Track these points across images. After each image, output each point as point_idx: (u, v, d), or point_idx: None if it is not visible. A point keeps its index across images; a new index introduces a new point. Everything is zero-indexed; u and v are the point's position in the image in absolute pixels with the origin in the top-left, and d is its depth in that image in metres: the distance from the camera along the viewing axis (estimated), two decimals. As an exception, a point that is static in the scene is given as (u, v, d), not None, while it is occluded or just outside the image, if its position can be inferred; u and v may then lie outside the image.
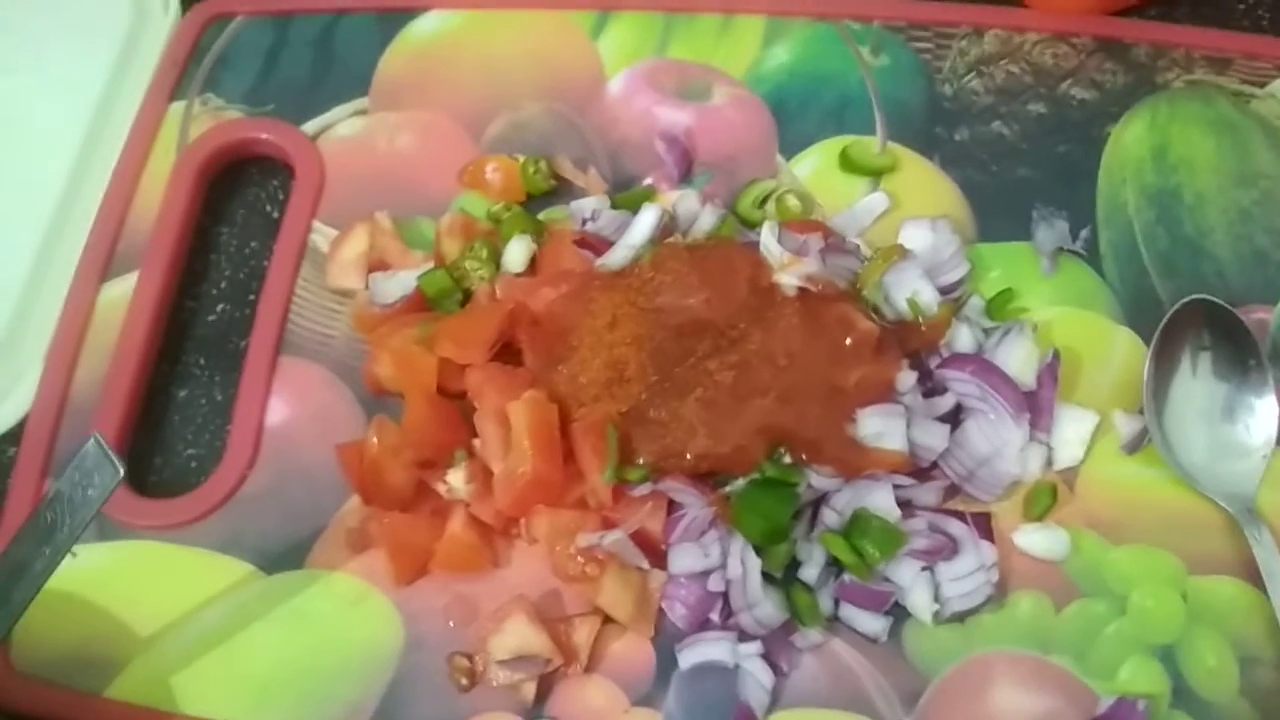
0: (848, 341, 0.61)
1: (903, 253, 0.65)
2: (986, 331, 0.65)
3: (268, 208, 0.73)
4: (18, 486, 0.64)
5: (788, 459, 0.59)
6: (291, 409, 0.66)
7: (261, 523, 0.63)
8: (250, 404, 0.66)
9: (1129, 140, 0.72)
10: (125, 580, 0.62)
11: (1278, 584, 0.58)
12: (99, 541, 0.63)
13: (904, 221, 0.68)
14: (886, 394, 0.60)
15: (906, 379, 0.61)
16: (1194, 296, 0.64)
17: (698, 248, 0.65)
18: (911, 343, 0.63)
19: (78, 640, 0.61)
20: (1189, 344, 0.63)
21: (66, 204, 0.72)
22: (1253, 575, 0.60)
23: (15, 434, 0.66)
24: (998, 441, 0.61)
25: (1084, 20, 0.75)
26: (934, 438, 0.60)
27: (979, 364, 0.62)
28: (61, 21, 0.78)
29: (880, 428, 0.59)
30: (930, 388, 0.63)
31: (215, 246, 0.72)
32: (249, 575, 0.62)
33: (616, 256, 0.65)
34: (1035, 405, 0.62)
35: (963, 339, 0.64)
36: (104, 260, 0.70)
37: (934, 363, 0.63)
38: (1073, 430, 0.63)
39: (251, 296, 0.70)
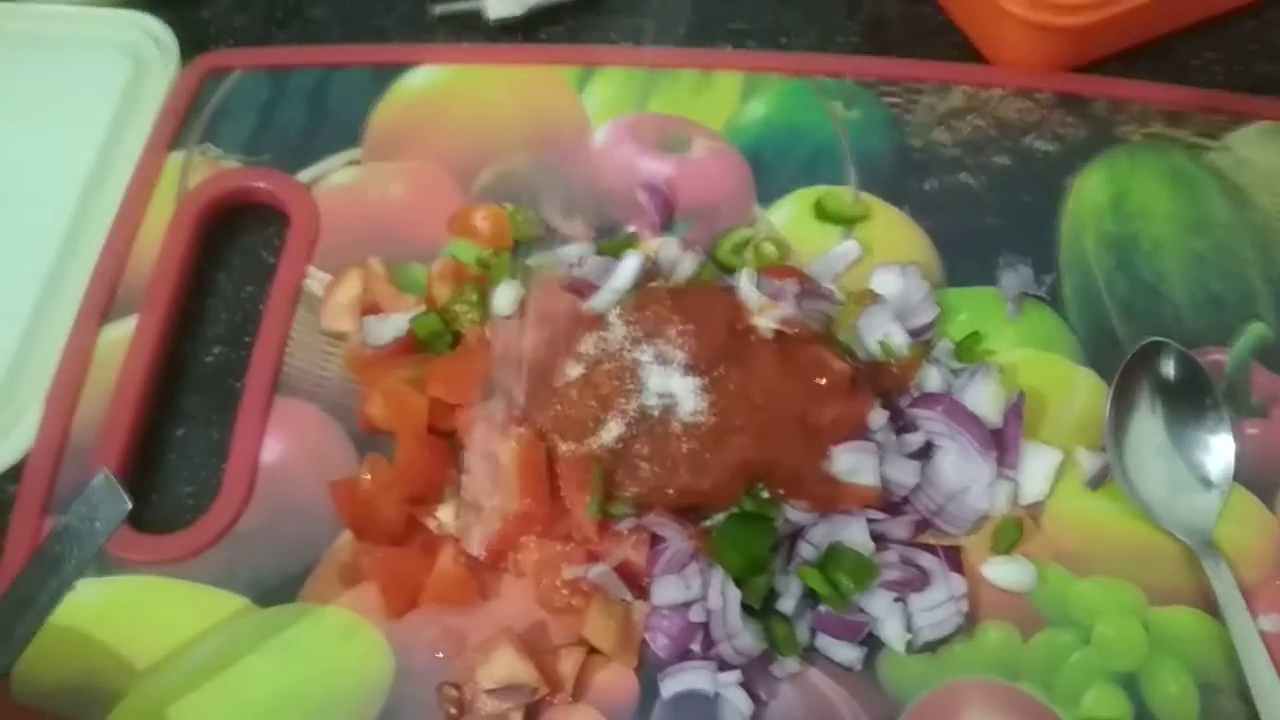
0: (822, 381, 0.63)
1: (874, 297, 0.68)
2: (955, 372, 0.68)
3: (264, 254, 0.76)
4: (18, 524, 0.66)
5: (766, 494, 0.62)
6: (286, 447, 0.68)
7: (256, 557, 0.65)
8: (246, 442, 0.68)
9: (1089, 190, 0.75)
10: (122, 614, 0.64)
11: (1234, 614, 0.61)
12: (97, 576, 0.64)
13: (875, 267, 0.71)
14: (860, 432, 0.63)
15: (879, 417, 0.63)
16: (1152, 339, 0.67)
17: (679, 291, 0.68)
18: (883, 383, 0.66)
19: (76, 672, 0.62)
20: (1147, 384, 0.66)
21: (69, 248, 0.74)
22: (1211, 605, 0.62)
23: (16, 472, 0.68)
24: (966, 477, 0.64)
25: (1045, 77, 0.79)
26: (905, 474, 0.63)
27: (948, 403, 0.65)
28: (64, 73, 0.80)
29: (854, 464, 0.62)
30: (901, 426, 0.65)
31: (212, 291, 0.75)
32: (243, 609, 0.64)
33: (601, 300, 0.67)
34: (1002, 443, 0.65)
35: (932, 380, 0.67)
36: (104, 303, 0.72)
37: (905, 402, 0.66)
38: (1037, 467, 0.65)
39: (247, 339, 0.72)
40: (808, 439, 0.62)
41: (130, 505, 0.51)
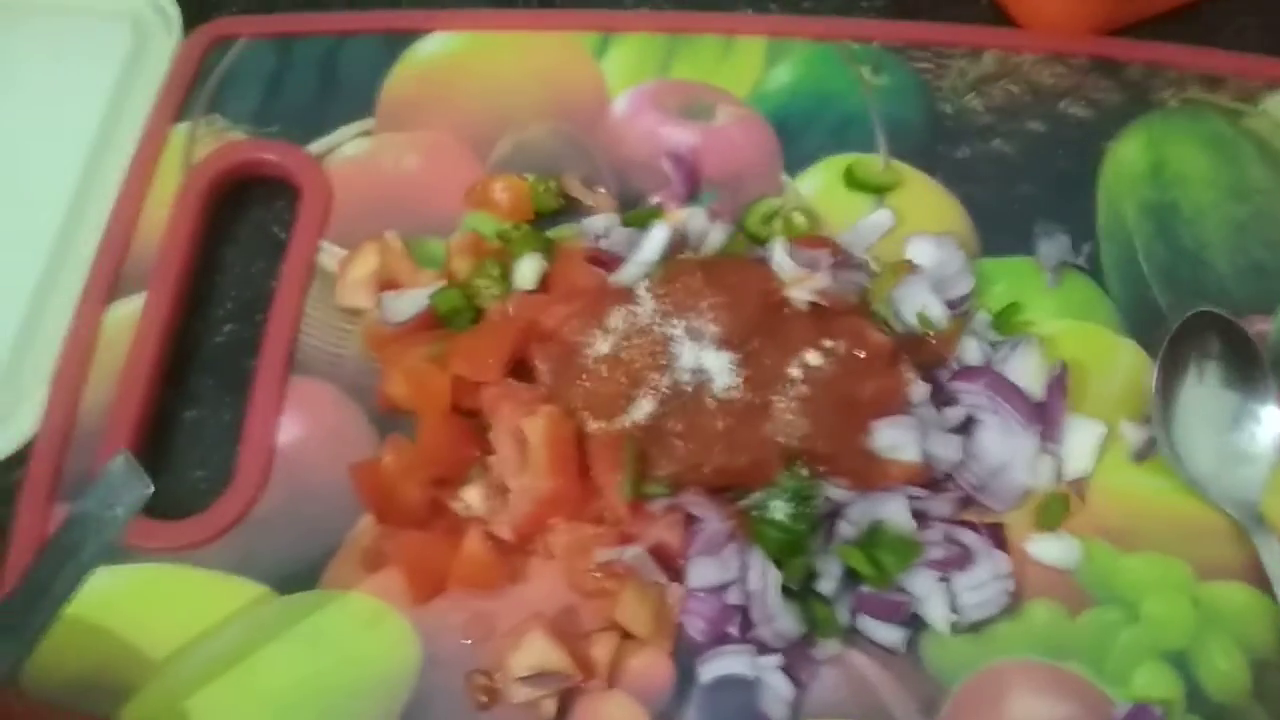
0: (861, 354, 0.61)
1: (910, 268, 0.66)
2: (994, 345, 0.66)
3: (274, 228, 0.73)
4: (25, 510, 0.64)
5: (804, 471, 0.60)
6: (302, 429, 0.65)
7: (274, 543, 0.63)
8: (260, 424, 0.65)
9: (1126, 156, 0.73)
10: (137, 603, 0.62)
11: (1285, 588, 0.59)
12: (110, 564, 0.62)
13: (909, 237, 0.69)
14: (900, 406, 0.61)
15: (919, 391, 0.61)
16: (1200, 309, 0.65)
17: (709, 263, 0.65)
18: (922, 356, 0.64)
19: (90, 664, 0.60)
20: (1195, 354, 0.64)
21: (72, 226, 0.71)
22: (1261, 580, 0.60)
23: (22, 457, 0.66)
24: (1010, 452, 0.62)
25: (1078, 40, 0.77)
26: (948, 449, 0.61)
27: (991, 376, 0.63)
28: (64, 44, 0.78)
29: (895, 439, 0.60)
30: (941, 400, 0.63)
31: (221, 267, 0.72)
32: (262, 596, 0.62)
33: (629, 273, 0.65)
34: (1045, 417, 0.63)
35: (971, 352, 0.65)
36: (110, 282, 0.70)
37: (945, 376, 0.64)
38: (1081, 440, 0.63)
39: (259, 317, 0.69)
40: (847, 414, 0.60)
41: (151, 489, 0.49)
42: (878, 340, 0.62)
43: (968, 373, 0.63)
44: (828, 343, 0.61)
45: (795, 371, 0.61)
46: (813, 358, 0.61)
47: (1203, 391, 0.64)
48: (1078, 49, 0.76)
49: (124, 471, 0.49)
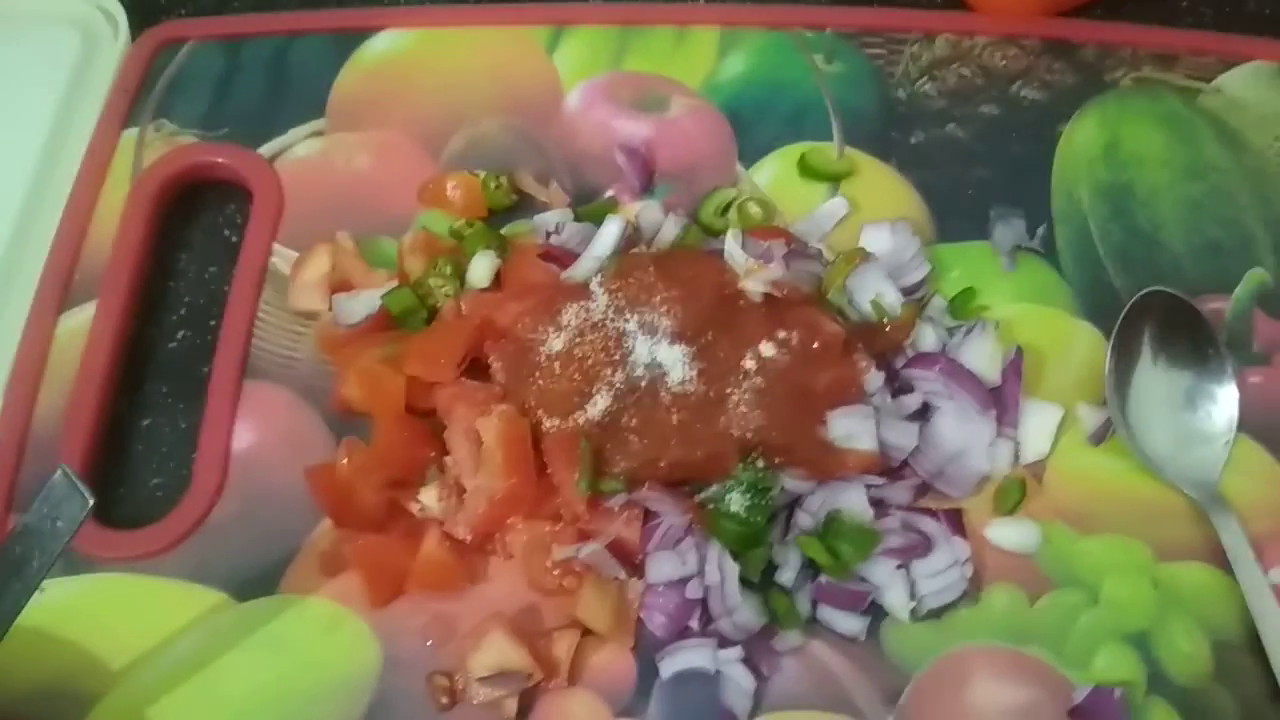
0: (815, 345, 0.61)
1: (864, 256, 0.66)
2: (950, 330, 0.66)
3: (226, 232, 0.73)
4: (-21, 523, 0.63)
5: (760, 464, 0.60)
6: (258, 433, 0.65)
7: (231, 550, 0.62)
8: (215, 430, 0.65)
9: (1081, 138, 0.73)
10: (95, 614, 0.61)
11: (1244, 567, 0.59)
12: (66, 575, 0.61)
13: (864, 225, 0.69)
14: (855, 395, 0.61)
15: (875, 380, 0.61)
16: (1152, 288, 0.65)
17: (663, 256, 0.65)
18: (877, 344, 0.63)
19: (49, 676, 0.59)
20: (1148, 334, 0.64)
21: (21, 235, 0.70)
22: (1221, 560, 0.61)
23: (-25, 470, 0.65)
24: (966, 438, 0.62)
25: (1031, 22, 0.77)
26: (904, 437, 0.61)
27: (945, 363, 0.63)
28: (9, 51, 0.77)
29: (851, 429, 0.60)
30: (897, 387, 0.63)
31: (174, 273, 0.71)
32: (221, 603, 0.61)
33: (582, 268, 0.65)
34: (1001, 401, 0.63)
35: (927, 339, 0.65)
36: (61, 290, 0.69)
37: (900, 363, 0.64)
38: (1038, 424, 0.63)
39: (213, 322, 0.69)
40: (802, 405, 0.60)
41: (92, 502, 0.49)
42: (832, 330, 0.61)
43: (923, 359, 0.63)
44: (782, 334, 0.61)
45: (750, 363, 0.61)
46: (767, 349, 0.61)
47: (1157, 372, 0.64)
48: (1030, 31, 0.76)
49: (64, 486, 0.48)
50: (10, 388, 0.66)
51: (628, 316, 0.62)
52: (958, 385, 0.62)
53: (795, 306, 0.63)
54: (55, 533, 0.48)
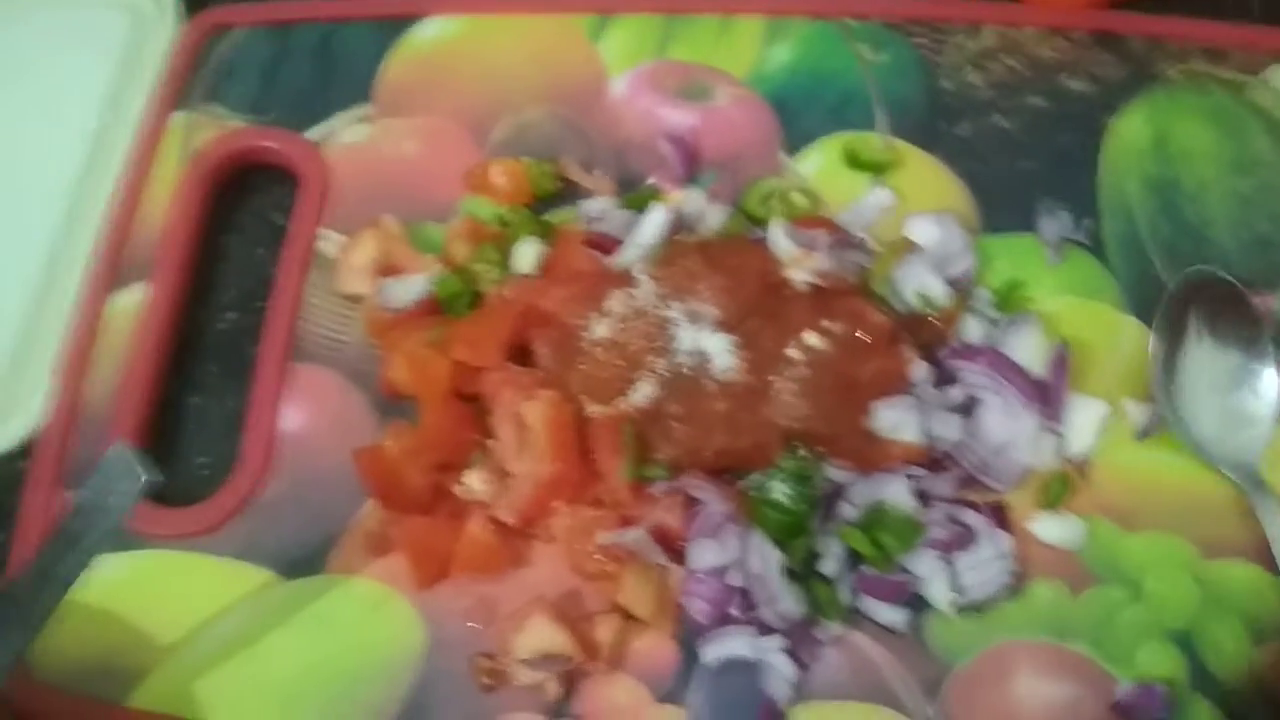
0: (860, 335, 0.61)
1: (910, 246, 0.66)
2: (995, 322, 0.66)
3: (274, 215, 0.73)
4: (31, 499, 0.64)
5: (804, 453, 0.60)
6: (305, 415, 0.66)
7: (279, 529, 0.63)
8: (263, 410, 0.66)
9: (1129, 131, 0.72)
10: (144, 590, 0.62)
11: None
12: (116, 551, 0.62)
13: (910, 216, 0.68)
14: (900, 386, 0.61)
15: (919, 370, 0.61)
16: (1197, 268, 0.64)
17: (707, 244, 0.65)
18: (922, 335, 0.63)
19: (98, 650, 0.60)
20: (1193, 314, 0.64)
21: (73, 216, 0.71)
22: (1266, 558, 0.60)
23: (29, 446, 0.66)
24: (1011, 431, 0.62)
25: (1079, 14, 0.76)
26: (948, 428, 0.61)
27: (991, 355, 0.62)
28: (61, 35, 0.77)
29: (895, 420, 0.60)
30: (941, 379, 0.63)
31: (222, 255, 0.72)
32: (268, 582, 0.62)
33: (627, 255, 0.65)
34: (1046, 395, 0.63)
35: (972, 330, 0.65)
36: (112, 271, 0.70)
37: (945, 354, 0.64)
38: (1084, 419, 0.63)
39: (260, 304, 0.69)
40: (847, 395, 0.60)
41: (147, 478, 0.49)
42: (878, 321, 0.61)
43: (968, 351, 0.63)
44: (827, 323, 0.61)
45: (795, 353, 0.61)
46: (812, 339, 0.61)
47: (1202, 353, 0.64)
48: (1079, 23, 0.76)
49: (121, 461, 0.49)
50: (63, 367, 0.67)
51: (672, 304, 0.62)
52: (1003, 378, 0.62)
53: (841, 296, 0.63)
54: (111, 508, 0.49)
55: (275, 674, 0.60)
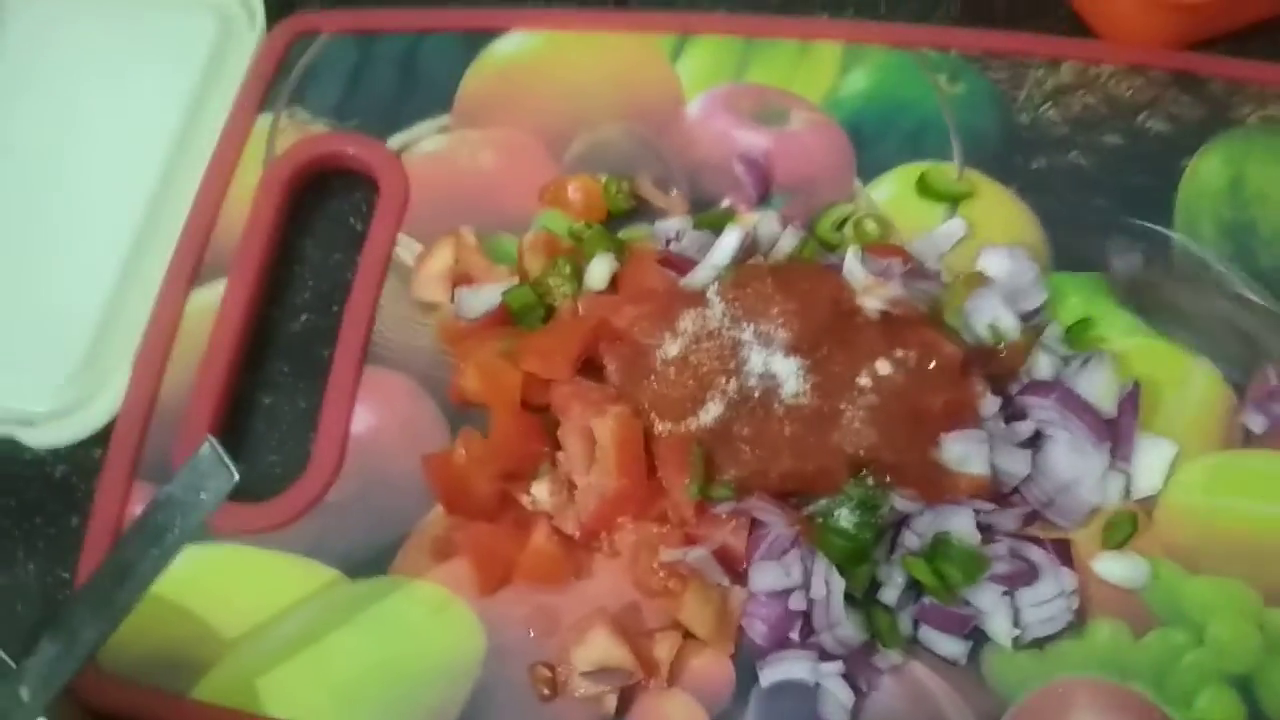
0: (932, 365, 0.61)
1: (983, 279, 0.66)
2: (1065, 359, 0.65)
3: (351, 220, 0.74)
4: (105, 488, 0.66)
5: (871, 480, 0.60)
6: (376, 418, 0.67)
7: (346, 529, 0.64)
8: (335, 411, 0.67)
9: (1205, 173, 0.72)
10: (211, 583, 0.63)
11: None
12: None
13: (982, 248, 0.69)
14: (971, 419, 0.61)
15: (990, 404, 0.61)
16: None
17: (780, 268, 0.66)
18: (992, 368, 0.63)
19: (164, 642, 0.62)
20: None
21: (156, 211, 0.73)
22: (1331, 609, 0.60)
23: (104, 435, 0.67)
24: (1078, 469, 0.62)
25: (1158, 54, 0.76)
26: (1016, 463, 0.61)
27: (1062, 392, 0.62)
28: (150, 36, 0.79)
29: (964, 452, 0.60)
30: (1009, 414, 0.63)
31: (300, 257, 0.74)
32: (333, 580, 0.63)
33: (700, 276, 0.65)
34: (1116, 434, 0.63)
35: (1042, 366, 0.64)
36: (192, 267, 0.71)
37: (1014, 389, 0.64)
38: (1152, 459, 0.63)
39: (336, 307, 0.71)
40: (917, 425, 0.60)
41: (237, 477, 0.50)
42: (950, 351, 0.61)
43: (1038, 387, 0.63)
44: (899, 352, 0.61)
45: (865, 380, 0.61)
46: (884, 367, 0.61)
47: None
48: (1157, 62, 0.76)
49: (211, 459, 0.50)
50: (140, 360, 0.69)
51: (744, 326, 0.63)
52: (1073, 415, 0.62)
53: (913, 326, 0.63)
54: (198, 504, 0.50)
55: (337, 673, 0.61)
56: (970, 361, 0.62)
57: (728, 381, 0.62)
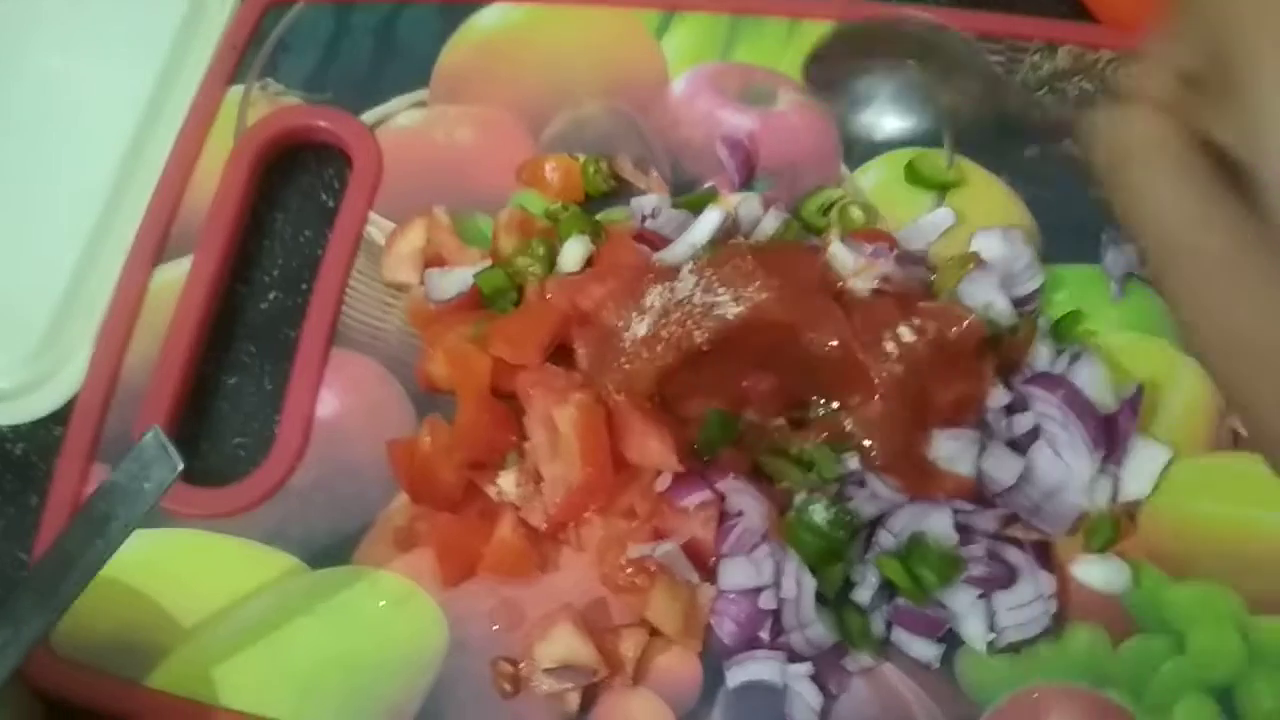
0: (953, 332, 0.58)
1: (977, 261, 0.64)
2: (1056, 352, 0.63)
3: (323, 196, 0.72)
4: (64, 467, 0.64)
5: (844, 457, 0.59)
6: (342, 402, 0.65)
7: (308, 516, 0.62)
8: (301, 394, 0.65)
9: (1203, 164, 0.70)
10: (169, 568, 0.62)
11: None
12: (142, 528, 0.62)
13: (975, 231, 0.66)
14: (977, 408, 0.59)
15: (999, 397, 0.59)
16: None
17: (762, 247, 0.63)
18: (1001, 353, 0.61)
19: (119, 626, 0.60)
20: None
21: (122, 185, 0.71)
22: (1317, 618, 0.58)
23: (63, 414, 0.66)
24: (1067, 474, 0.59)
25: (1159, 38, 0.73)
26: (1004, 471, 0.58)
27: (1068, 389, 0.60)
28: (121, 4, 0.77)
29: (954, 451, 0.58)
30: (1010, 404, 0.61)
31: (269, 233, 0.72)
32: (293, 569, 0.61)
33: (675, 252, 0.63)
34: (1112, 437, 0.60)
35: (1043, 357, 0.62)
36: (158, 243, 0.69)
37: (1018, 380, 0.62)
38: (1143, 463, 0.61)
39: (304, 286, 0.69)
40: (917, 415, 0.58)
41: (181, 466, 0.48)
42: (974, 321, 0.58)
43: (1046, 380, 0.60)
44: (917, 320, 0.59)
45: (890, 347, 0.58)
46: (906, 333, 0.58)
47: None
48: (1159, 48, 0.73)
49: (154, 446, 0.48)
50: (102, 337, 0.67)
51: (719, 293, 0.60)
52: (1075, 416, 0.59)
53: (925, 301, 0.60)
54: (142, 494, 0.48)
55: (296, 661, 0.59)
56: (985, 342, 0.59)
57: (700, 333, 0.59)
